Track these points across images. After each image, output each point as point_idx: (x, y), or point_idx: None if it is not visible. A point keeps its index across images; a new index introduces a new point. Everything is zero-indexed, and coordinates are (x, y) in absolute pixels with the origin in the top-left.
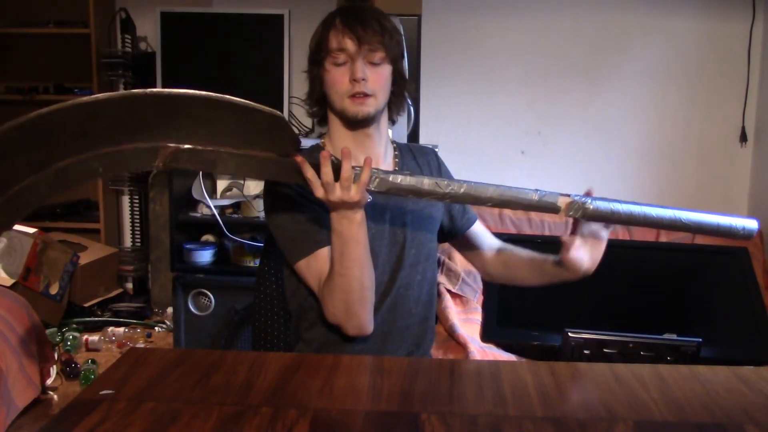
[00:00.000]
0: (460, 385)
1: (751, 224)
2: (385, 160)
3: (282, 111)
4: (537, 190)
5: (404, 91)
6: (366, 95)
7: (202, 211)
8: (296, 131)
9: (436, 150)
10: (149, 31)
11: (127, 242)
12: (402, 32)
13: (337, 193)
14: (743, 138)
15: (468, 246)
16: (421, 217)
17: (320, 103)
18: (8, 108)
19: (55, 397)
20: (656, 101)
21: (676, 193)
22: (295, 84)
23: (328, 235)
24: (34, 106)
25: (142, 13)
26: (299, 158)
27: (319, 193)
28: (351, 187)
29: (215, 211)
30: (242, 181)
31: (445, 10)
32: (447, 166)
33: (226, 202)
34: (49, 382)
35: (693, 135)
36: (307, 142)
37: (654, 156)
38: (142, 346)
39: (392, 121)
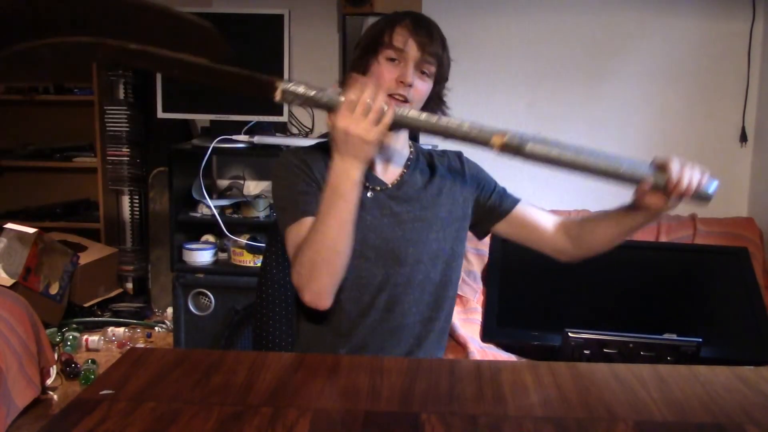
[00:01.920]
0: (460, 385)
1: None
2: (397, 163)
3: (282, 111)
4: (475, 124)
5: (436, 111)
6: (405, 100)
7: (202, 211)
8: (296, 131)
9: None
10: None
11: (127, 242)
12: (451, 61)
13: (362, 124)
14: (743, 138)
15: (524, 228)
16: (426, 215)
17: None
18: (8, 108)
19: (55, 397)
20: (656, 101)
21: None
22: None
23: (318, 207)
24: (34, 106)
25: None
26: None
27: (343, 118)
28: (374, 121)
29: (215, 211)
30: (242, 181)
31: (445, 10)
32: (479, 165)
33: (226, 202)
34: (49, 382)
35: (693, 135)
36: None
37: (654, 156)
38: (142, 346)
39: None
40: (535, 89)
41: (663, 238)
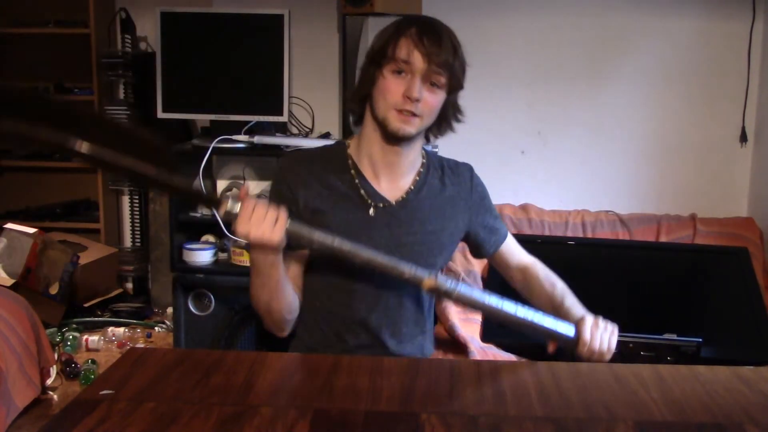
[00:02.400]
0: (460, 385)
1: (569, 331)
2: (405, 178)
3: (282, 111)
4: (413, 266)
5: (451, 121)
6: (413, 115)
7: (202, 211)
8: (296, 131)
9: (471, 167)
10: (149, 31)
11: (127, 242)
12: (466, 66)
13: (261, 228)
14: (743, 138)
15: (496, 262)
16: (427, 240)
17: (363, 102)
18: None
19: (55, 397)
20: (656, 101)
21: (676, 193)
22: (295, 84)
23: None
24: None
25: (142, 13)
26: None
27: (242, 225)
28: (270, 227)
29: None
30: (242, 181)
31: (445, 11)
32: (485, 190)
33: None
34: (49, 382)
35: (693, 135)
36: (307, 142)
37: (654, 156)
38: (142, 346)
39: (427, 140)
40: (535, 89)
41: (663, 238)
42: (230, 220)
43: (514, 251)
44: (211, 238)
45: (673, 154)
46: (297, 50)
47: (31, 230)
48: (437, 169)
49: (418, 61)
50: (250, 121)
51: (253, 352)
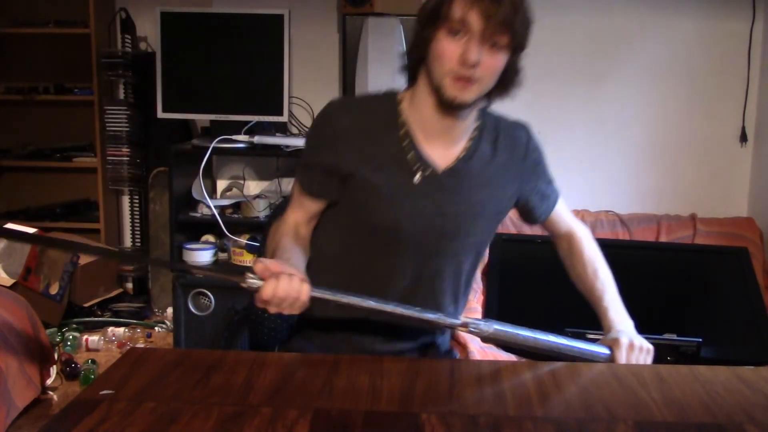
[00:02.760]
0: (460, 385)
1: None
2: (457, 145)
3: (282, 111)
4: (440, 314)
5: (510, 86)
6: (471, 81)
7: (202, 211)
8: (296, 131)
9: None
10: (149, 31)
11: (127, 242)
12: (531, 23)
13: (277, 309)
14: (743, 138)
15: (545, 227)
16: (473, 210)
17: (417, 64)
18: (8, 108)
19: (55, 397)
20: (656, 101)
21: (676, 193)
22: (296, 84)
23: (327, 190)
24: (34, 106)
25: (142, 13)
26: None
27: (260, 305)
28: (291, 305)
29: (215, 211)
30: (242, 181)
31: None
32: (541, 153)
33: (226, 202)
34: (49, 382)
35: (693, 135)
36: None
37: (654, 156)
38: (142, 346)
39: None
40: (535, 89)
41: (663, 238)
42: (253, 292)
43: (562, 218)
44: (211, 238)
45: (673, 154)
46: (297, 50)
47: (31, 230)
48: (491, 132)
49: (475, 20)
50: (250, 121)
51: (253, 352)
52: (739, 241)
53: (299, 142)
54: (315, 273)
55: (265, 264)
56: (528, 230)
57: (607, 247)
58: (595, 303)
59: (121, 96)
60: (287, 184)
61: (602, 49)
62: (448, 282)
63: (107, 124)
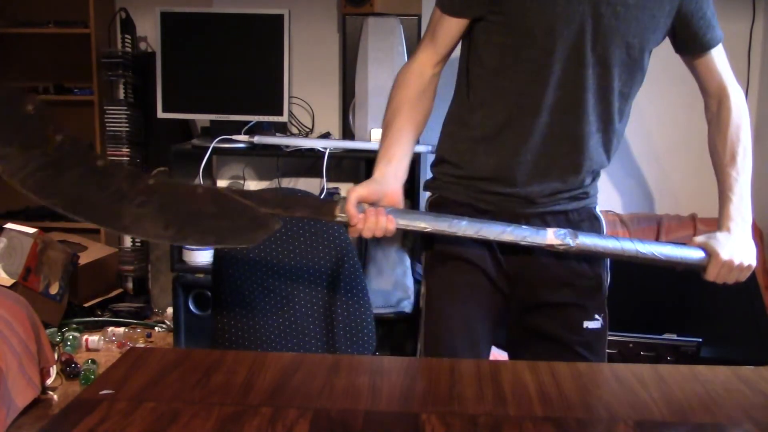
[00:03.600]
0: (460, 385)
1: (699, 254)
2: None
3: (282, 111)
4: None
5: None
6: None
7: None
8: (296, 131)
9: None
10: (149, 31)
11: (127, 242)
12: None
13: (369, 235)
14: None
15: (696, 72)
16: (623, 14)
17: None
18: None
19: (55, 397)
20: (656, 101)
21: (676, 193)
22: (295, 84)
23: (470, 3)
24: None
25: (142, 13)
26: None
27: (354, 236)
28: (381, 232)
29: None
30: (242, 181)
31: None
32: None
33: None
34: (49, 382)
35: (693, 135)
36: (307, 142)
37: (654, 156)
38: (142, 346)
39: None
40: None
41: (663, 238)
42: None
43: (716, 68)
44: None
45: (673, 154)
46: (297, 50)
47: (31, 230)
48: None
49: None
50: (250, 121)
51: (253, 352)
52: None
53: (299, 142)
54: (461, 112)
55: (352, 202)
56: None
57: None
58: (721, 189)
59: (121, 96)
60: (287, 184)
61: None
62: (596, 100)
63: (107, 124)
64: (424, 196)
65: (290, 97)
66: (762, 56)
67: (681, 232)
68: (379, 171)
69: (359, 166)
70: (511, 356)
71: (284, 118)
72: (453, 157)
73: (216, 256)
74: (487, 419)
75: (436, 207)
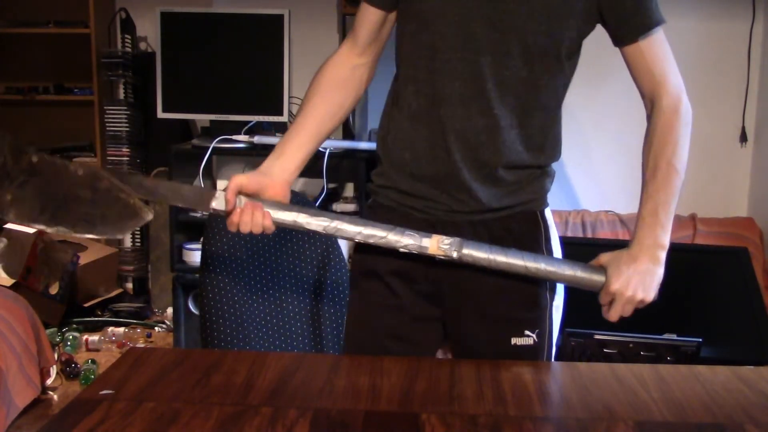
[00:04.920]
0: (460, 385)
1: (600, 277)
2: None
3: (282, 111)
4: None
5: None
6: None
7: (202, 211)
8: None
9: None
10: (149, 31)
11: (127, 242)
12: None
13: (245, 231)
14: (743, 138)
15: (628, 64)
16: (531, 6)
17: None
18: (8, 108)
19: (55, 397)
20: None
21: None
22: (295, 84)
23: None
24: (34, 106)
25: (142, 13)
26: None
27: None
28: (258, 228)
29: None
30: None
31: None
32: None
33: None
34: (49, 382)
35: (693, 135)
36: None
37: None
38: (142, 346)
39: None
40: None
41: None
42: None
43: (648, 62)
44: None
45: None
46: (297, 50)
47: (31, 230)
48: None
49: None
50: (250, 121)
51: (253, 352)
52: (739, 241)
53: None
54: (396, 110)
55: (232, 189)
56: None
57: (607, 247)
58: (639, 206)
59: (121, 96)
60: None
61: (602, 49)
62: (502, 92)
63: (107, 124)
64: None
65: (290, 97)
66: (762, 56)
67: (681, 232)
68: (267, 163)
69: (359, 166)
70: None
71: (284, 118)
72: (380, 154)
73: (203, 255)
74: (487, 419)
75: (371, 213)
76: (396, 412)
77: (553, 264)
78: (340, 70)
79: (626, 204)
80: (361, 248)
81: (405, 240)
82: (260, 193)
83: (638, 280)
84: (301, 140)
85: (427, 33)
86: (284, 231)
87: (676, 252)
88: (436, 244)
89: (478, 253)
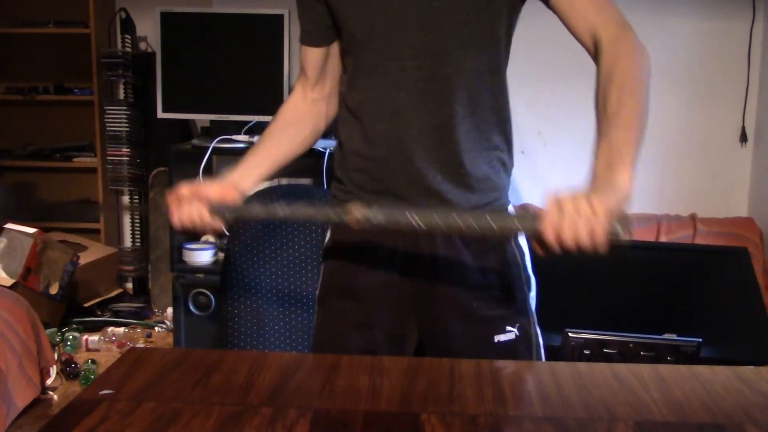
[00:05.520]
0: (460, 385)
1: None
2: None
3: None
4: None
5: None
6: None
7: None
8: None
9: None
10: (149, 31)
11: (127, 242)
12: None
13: (189, 227)
14: (743, 138)
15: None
16: None
17: None
18: (8, 108)
19: (55, 397)
20: (656, 101)
21: (676, 193)
22: None
23: (316, 34)
24: (34, 106)
25: (142, 13)
26: None
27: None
28: (199, 222)
29: None
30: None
31: None
32: None
33: None
34: (49, 382)
35: (693, 135)
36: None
37: (654, 156)
38: (142, 346)
39: None
40: (535, 89)
41: (663, 238)
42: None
43: (576, 9)
44: (210, 238)
45: (673, 154)
46: (297, 50)
47: (31, 230)
48: None
49: None
50: (250, 121)
51: (253, 352)
52: (739, 241)
53: None
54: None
55: (174, 193)
56: None
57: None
58: (596, 144)
59: (121, 96)
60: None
61: None
62: (455, 86)
63: (107, 124)
64: None
65: None
66: (762, 56)
67: (681, 232)
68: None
69: None
70: None
71: None
72: (337, 173)
73: (226, 255)
74: (487, 419)
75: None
76: (396, 412)
77: (477, 218)
78: (298, 106)
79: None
80: (330, 256)
81: (328, 213)
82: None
83: (595, 195)
84: (257, 160)
85: (365, 51)
86: (309, 230)
87: (676, 252)
88: (353, 210)
89: (384, 216)
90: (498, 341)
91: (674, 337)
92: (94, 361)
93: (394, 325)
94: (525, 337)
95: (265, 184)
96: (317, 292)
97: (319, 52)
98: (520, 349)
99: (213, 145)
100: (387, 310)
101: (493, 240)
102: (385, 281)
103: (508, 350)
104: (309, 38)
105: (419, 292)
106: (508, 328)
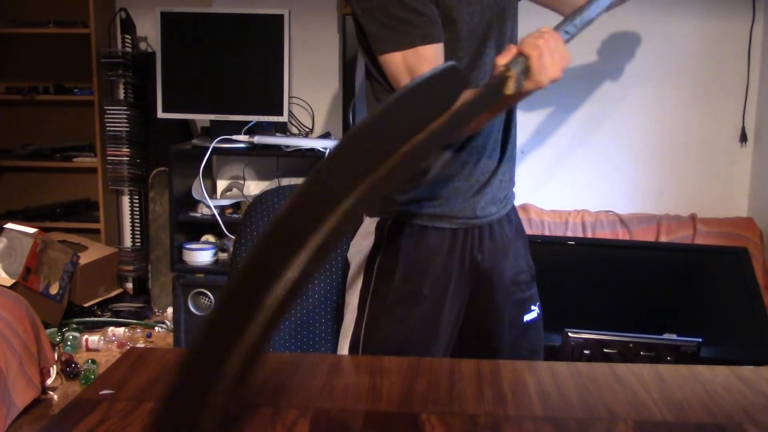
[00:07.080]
0: (460, 385)
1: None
2: None
3: (282, 111)
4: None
5: None
6: None
7: (202, 211)
8: (296, 131)
9: None
10: (149, 31)
11: (127, 242)
12: None
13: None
14: (743, 138)
15: None
16: None
17: None
18: (8, 108)
19: (55, 397)
20: (656, 101)
21: (676, 193)
22: (295, 84)
23: (438, 30)
24: (34, 106)
25: (142, 13)
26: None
27: (545, 80)
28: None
29: (215, 211)
30: (242, 181)
31: None
32: None
33: (226, 202)
34: (49, 382)
35: (693, 135)
36: (307, 142)
37: (654, 156)
38: (142, 346)
39: None
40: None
41: (663, 238)
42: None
43: None
44: (211, 238)
45: (673, 154)
46: (297, 50)
47: (31, 230)
48: None
49: None
50: (250, 121)
51: None
52: (739, 241)
53: (299, 142)
54: None
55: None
56: (528, 230)
57: (607, 247)
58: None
59: (121, 96)
60: (287, 184)
61: (602, 48)
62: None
63: (107, 124)
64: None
65: (290, 97)
66: (762, 56)
67: (681, 232)
68: None
69: None
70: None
71: (284, 118)
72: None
73: (234, 255)
74: (487, 419)
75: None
76: (396, 412)
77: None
78: None
79: (626, 204)
80: (387, 257)
81: None
82: None
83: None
84: None
85: (461, 41)
86: None
87: (676, 252)
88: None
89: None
90: (525, 321)
91: (674, 337)
92: (94, 361)
93: (457, 321)
94: (540, 315)
95: (266, 186)
96: (371, 299)
97: (442, 47)
98: (538, 327)
99: (213, 145)
100: (452, 309)
101: None
102: (448, 281)
103: (532, 330)
104: (434, 36)
105: (478, 284)
106: (532, 307)
